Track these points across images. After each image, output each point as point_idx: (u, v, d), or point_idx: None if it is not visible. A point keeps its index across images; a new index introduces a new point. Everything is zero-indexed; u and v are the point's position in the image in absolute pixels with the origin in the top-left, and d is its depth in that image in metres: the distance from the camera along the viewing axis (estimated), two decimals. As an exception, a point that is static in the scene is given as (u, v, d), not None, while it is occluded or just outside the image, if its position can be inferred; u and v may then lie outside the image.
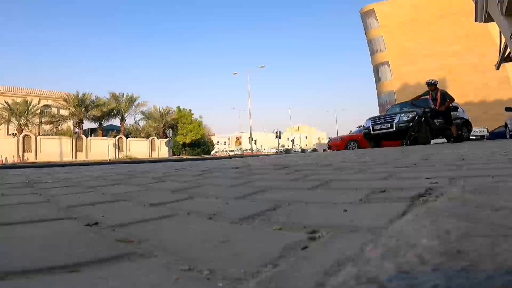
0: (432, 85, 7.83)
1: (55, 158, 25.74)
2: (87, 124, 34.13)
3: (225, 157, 14.03)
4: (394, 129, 9.43)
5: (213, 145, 39.54)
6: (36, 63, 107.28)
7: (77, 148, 29.34)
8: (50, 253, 0.57)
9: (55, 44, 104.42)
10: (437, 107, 7.68)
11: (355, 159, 2.75)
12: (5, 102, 28.22)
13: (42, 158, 25.41)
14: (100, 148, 30.06)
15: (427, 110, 7.91)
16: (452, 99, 7.77)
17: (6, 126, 29.52)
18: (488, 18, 12.71)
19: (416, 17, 38.94)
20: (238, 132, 70.34)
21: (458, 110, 11.87)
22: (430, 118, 7.89)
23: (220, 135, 71.08)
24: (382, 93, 41.79)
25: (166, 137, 31.50)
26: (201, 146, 34.80)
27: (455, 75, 34.89)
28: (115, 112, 33.92)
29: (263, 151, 53.69)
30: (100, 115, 32.38)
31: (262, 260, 0.48)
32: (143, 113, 36.43)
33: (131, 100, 34.51)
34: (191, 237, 0.65)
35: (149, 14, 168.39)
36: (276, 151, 38.43)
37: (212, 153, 37.28)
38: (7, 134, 29.52)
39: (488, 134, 18.45)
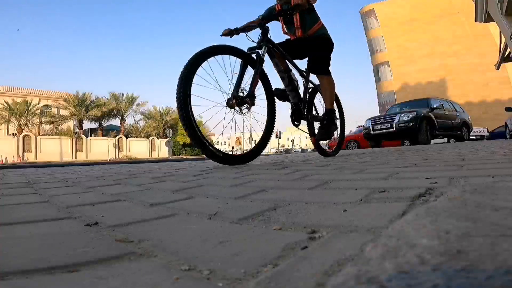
0: None
1: (55, 158, 25.75)
2: (87, 124, 34.24)
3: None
4: (394, 129, 9.48)
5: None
6: (36, 63, 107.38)
7: (77, 148, 29.37)
8: (50, 253, 0.57)
9: (55, 44, 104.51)
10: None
11: (355, 159, 2.74)
12: (5, 102, 28.21)
13: (42, 158, 25.43)
14: (100, 148, 30.08)
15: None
16: None
17: (6, 126, 29.54)
18: (488, 18, 12.73)
19: (416, 17, 38.92)
20: (238, 132, 70.07)
21: (457, 110, 11.87)
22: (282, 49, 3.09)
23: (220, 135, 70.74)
24: (382, 93, 41.78)
25: (166, 137, 31.51)
26: (201, 146, 34.77)
27: (455, 75, 34.82)
28: (115, 112, 33.99)
29: (263, 151, 53.54)
30: (100, 115, 32.43)
31: (262, 260, 0.48)
32: (143, 113, 36.55)
33: (131, 100, 34.56)
34: (191, 237, 0.65)
35: (148, 13, 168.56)
36: (276, 151, 38.40)
37: (212, 153, 37.17)
38: (7, 134, 29.52)
39: (488, 134, 18.46)
